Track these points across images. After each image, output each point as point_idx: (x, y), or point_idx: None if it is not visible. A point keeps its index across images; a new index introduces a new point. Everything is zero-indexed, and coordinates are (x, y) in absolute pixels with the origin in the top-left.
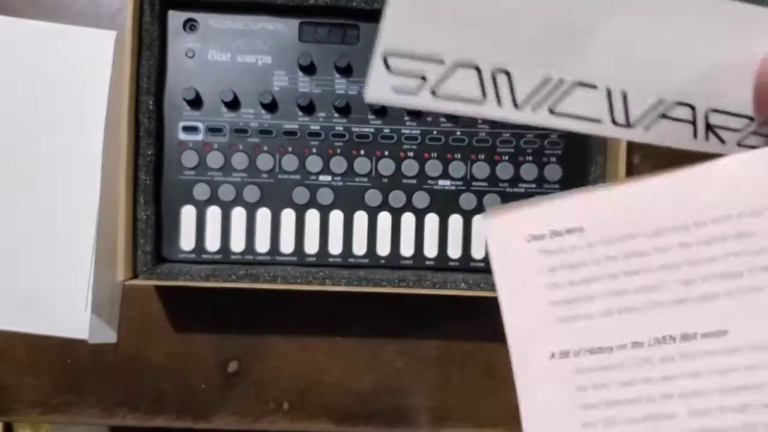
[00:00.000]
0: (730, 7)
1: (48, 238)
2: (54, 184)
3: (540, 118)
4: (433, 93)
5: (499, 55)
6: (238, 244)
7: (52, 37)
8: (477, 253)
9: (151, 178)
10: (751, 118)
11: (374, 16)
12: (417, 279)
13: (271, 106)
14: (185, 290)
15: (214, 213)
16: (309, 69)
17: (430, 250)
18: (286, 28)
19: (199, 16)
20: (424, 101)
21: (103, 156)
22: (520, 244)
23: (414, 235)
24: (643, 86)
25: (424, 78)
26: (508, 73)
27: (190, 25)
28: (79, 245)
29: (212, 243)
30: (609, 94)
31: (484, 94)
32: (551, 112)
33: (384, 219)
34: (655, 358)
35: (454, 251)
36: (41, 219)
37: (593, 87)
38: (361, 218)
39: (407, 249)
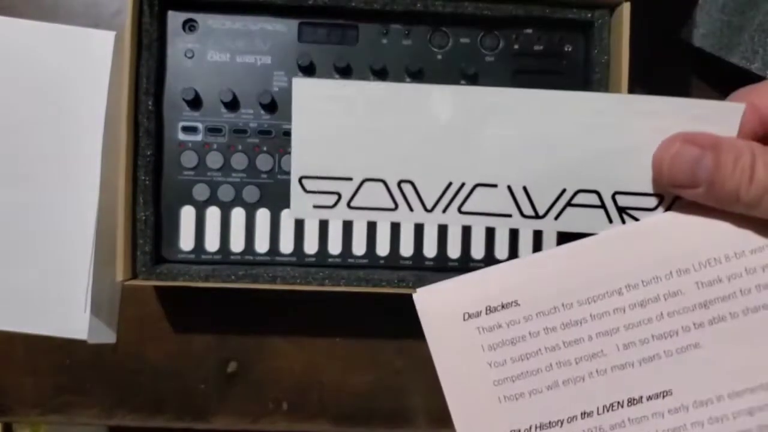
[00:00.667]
0: (612, 99)
1: (47, 238)
2: (53, 184)
3: (451, 218)
4: (349, 206)
5: (399, 170)
6: (237, 244)
7: (52, 37)
8: (476, 253)
9: (150, 179)
10: (660, 196)
11: (374, 16)
12: (417, 279)
13: (271, 107)
14: (184, 290)
15: (213, 213)
16: (308, 69)
17: (430, 250)
18: (285, 28)
19: (198, 17)
20: (342, 214)
21: (103, 156)
22: (456, 324)
23: (413, 235)
24: (540, 179)
25: (339, 194)
26: (412, 183)
27: (189, 26)
28: (79, 245)
29: (212, 243)
30: (510, 190)
31: (395, 203)
32: (460, 212)
33: None
34: (605, 425)
35: (454, 251)
36: (41, 219)
37: (493, 186)
38: None
39: (407, 249)
